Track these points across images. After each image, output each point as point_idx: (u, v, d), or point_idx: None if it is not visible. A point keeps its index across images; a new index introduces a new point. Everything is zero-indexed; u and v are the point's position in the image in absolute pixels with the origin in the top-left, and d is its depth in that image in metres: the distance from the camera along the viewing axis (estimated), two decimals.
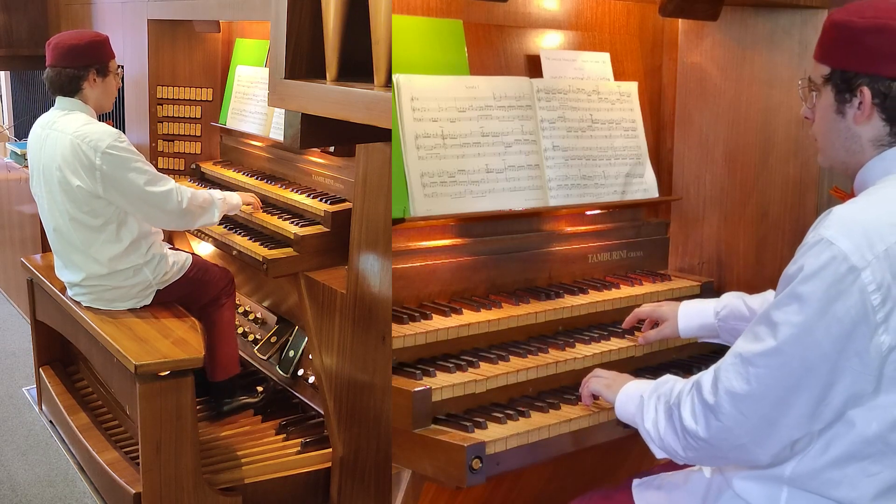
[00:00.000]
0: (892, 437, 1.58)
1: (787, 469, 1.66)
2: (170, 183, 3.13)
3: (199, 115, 4.23)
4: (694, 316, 2.29)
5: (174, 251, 3.39)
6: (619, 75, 2.84)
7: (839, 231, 1.52)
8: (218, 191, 3.41)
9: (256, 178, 3.74)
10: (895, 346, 1.52)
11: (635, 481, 1.99)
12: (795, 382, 1.54)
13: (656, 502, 1.93)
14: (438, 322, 2.23)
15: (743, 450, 1.62)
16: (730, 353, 1.64)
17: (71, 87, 3.21)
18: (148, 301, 3.26)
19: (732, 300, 2.23)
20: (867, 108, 1.64)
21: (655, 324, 2.38)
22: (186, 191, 3.17)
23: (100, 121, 3.25)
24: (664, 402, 1.74)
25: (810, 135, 1.81)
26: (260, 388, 3.63)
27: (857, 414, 1.58)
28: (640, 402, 1.81)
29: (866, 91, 1.64)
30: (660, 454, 1.78)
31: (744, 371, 1.58)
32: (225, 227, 3.48)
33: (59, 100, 3.25)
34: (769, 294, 2.19)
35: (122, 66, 3.40)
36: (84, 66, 3.20)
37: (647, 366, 2.41)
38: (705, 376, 1.65)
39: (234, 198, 3.38)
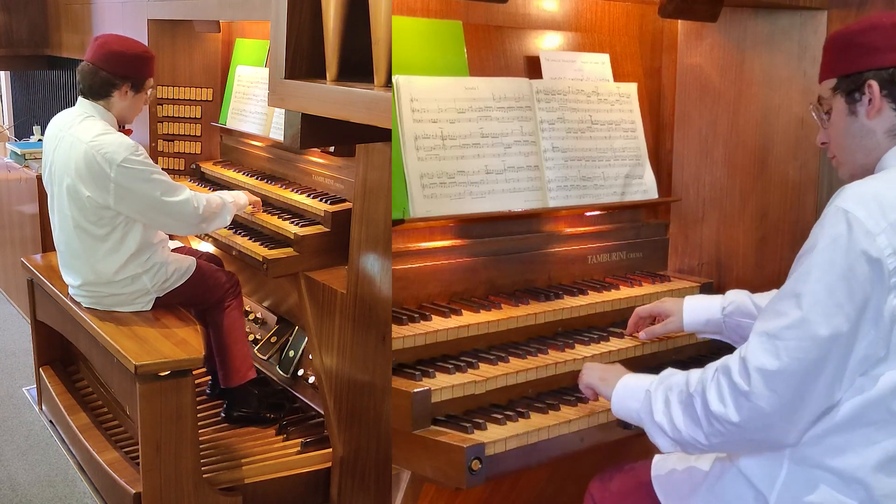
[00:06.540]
0: (894, 405, 1.61)
1: None
2: (186, 192, 3.10)
3: (199, 115, 4.23)
4: (700, 311, 2.30)
5: (178, 258, 3.35)
6: (618, 76, 2.84)
7: (854, 202, 1.59)
8: (227, 192, 3.39)
9: (256, 178, 3.74)
10: None
11: (656, 457, 2.00)
12: (824, 351, 1.56)
13: (668, 478, 1.93)
14: (438, 323, 2.23)
15: (772, 430, 1.61)
16: (753, 334, 1.64)
17: (102, 91, 3.16)
18: (148, 307, 3.23)
19: (738, 297, 2.25)
20: (877, 100, 1.73)
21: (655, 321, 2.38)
22: (202, 197, 3.15)
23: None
24: (678, 392, 1.72)
25: (829, 157, 1.87)
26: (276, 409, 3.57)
27: (862, 378, 1.61)
28: (646, 396, 1.79)
29: (874, 84, 1.73)
30: (669, 448, 1.76)
31: (772, 347, 1.59)
32: (224, 228, 3.48)
33: (82, 102, 3.20)
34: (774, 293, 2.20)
35: (154, 88, 3.34)
36: (122, 75, 3.16)
37: (647, 367, 2.41)
38: (732, 360, 1.65)
39: (242, 198, 3.37)
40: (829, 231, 1.58)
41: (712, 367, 1.69)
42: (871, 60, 1.73)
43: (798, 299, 1.59)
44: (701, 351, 2.53)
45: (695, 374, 1.73)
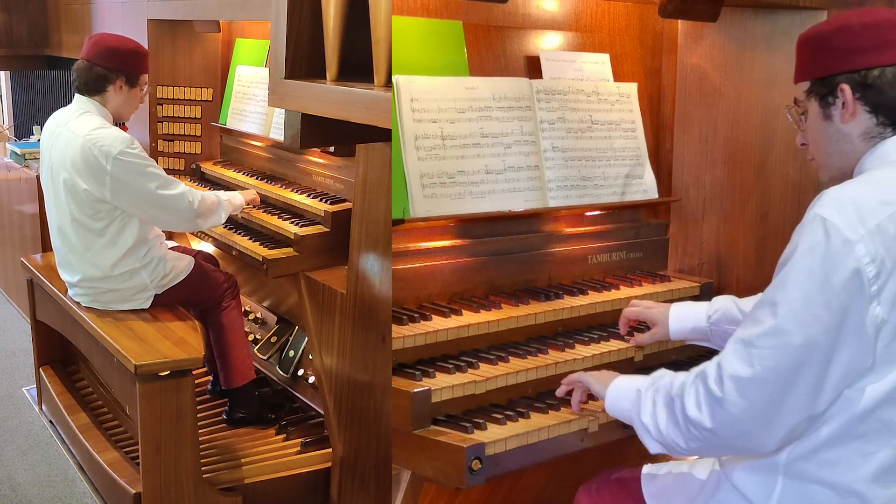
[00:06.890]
0: (885, 415, 1.59)
1: (783, 453, 1.66)
2: (181, 186, 3.13)
3: (199, 115, 4.23)
4: (685, 319, 2.28)
5: (176, 255, 3.36)
6: (618, 76, 2.84)
7: (832, 208, 1.55)
8: (223, 192, 3.41)
9: (256, 178, 3.74)
10: (887, 319, 1.54)
11: (645, 468, 2.00)
12: (798, 360, 1.54)
13: (661, 490, 1.93)
14: (438, 323, 2.23)
15: (748, 437, 1.60)
16: (731, 340, 1.63)
17: (96, 87, 3.20)
18: (146, 305, 3.24)
19: (724, 303, 2.23)
20: (850, 103, 1.69)
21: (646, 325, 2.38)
22: (197, 193, 3.17)
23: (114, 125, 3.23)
24: (664, 394, 1.72)
25: (808, 159, 1.84)
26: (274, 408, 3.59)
27: (849, 391, 1.59)
28: (637, 395, 1.79)
29: (846, 87, 1.68)
30: (655, 448, 1.76)
31: (746, 354, 1.57)
32: (225, 227, 3.48)
33: (78, 98, 3.23)
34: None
35: (149, 85, 3.37)
36: (117, 70, 3.19)
37: (646, 367, 2.41)
38: (709, 366, 1.64)
39: (238, 198, 3.38)
40: (808, 238, 1.55)
41: (694, 371, 1.69)
42: (841, 63, 1.68)
43: (774, 307, 1.57)
44: (701, 351, 2.53)
45: (680, 376, 1.72)
